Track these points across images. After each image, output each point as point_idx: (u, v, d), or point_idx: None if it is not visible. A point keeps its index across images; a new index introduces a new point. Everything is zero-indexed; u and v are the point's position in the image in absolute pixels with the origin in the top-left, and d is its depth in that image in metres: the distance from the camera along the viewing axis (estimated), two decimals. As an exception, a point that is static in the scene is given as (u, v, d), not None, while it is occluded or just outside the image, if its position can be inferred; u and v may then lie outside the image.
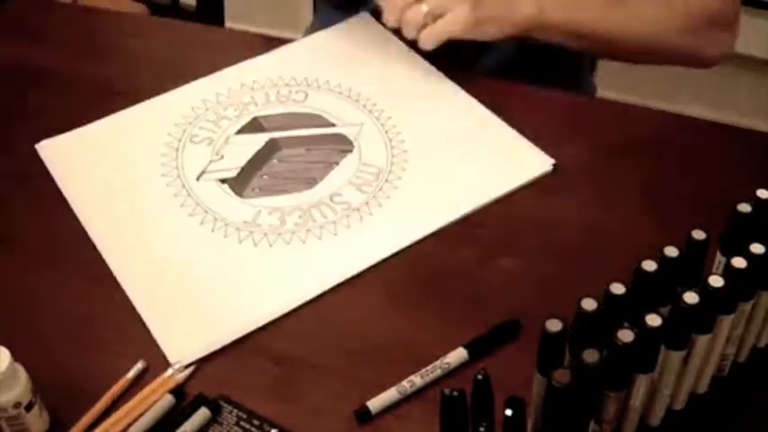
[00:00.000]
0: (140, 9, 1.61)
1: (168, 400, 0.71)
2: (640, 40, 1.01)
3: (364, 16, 1.07)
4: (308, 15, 1.29)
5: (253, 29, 1.13)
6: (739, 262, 0.61)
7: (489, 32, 0.95)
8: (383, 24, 0.98)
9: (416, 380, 0.72)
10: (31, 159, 0.92)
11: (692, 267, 0.63)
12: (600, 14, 0.99)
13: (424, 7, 0.92)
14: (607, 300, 0.59)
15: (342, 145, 0.93)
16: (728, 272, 0.61)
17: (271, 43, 1.05)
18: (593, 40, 0.99)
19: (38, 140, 0.93)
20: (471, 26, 0.93)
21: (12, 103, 0.99)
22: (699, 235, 0.63)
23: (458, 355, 0.73)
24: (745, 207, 0.64)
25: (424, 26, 0.93)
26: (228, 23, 1.56)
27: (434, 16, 0.93)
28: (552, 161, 0.90)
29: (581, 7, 0.99)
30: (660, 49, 1.02)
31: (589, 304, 0.58)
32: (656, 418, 0.65)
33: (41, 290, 0.80)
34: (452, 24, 0.93)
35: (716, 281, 0.59)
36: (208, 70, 1.01)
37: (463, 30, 0.93)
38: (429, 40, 0.94)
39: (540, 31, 0.97)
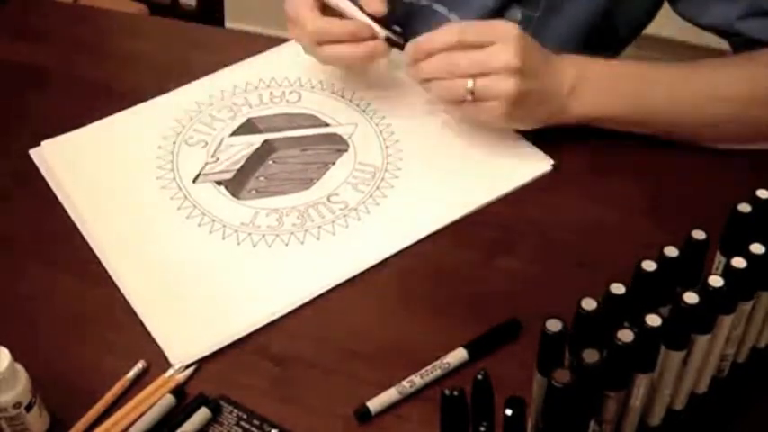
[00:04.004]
0: (140, 9, 1.61)
1: (169, 399, 0.71)
2: (718, 119, 0.89)
3: None
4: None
5: (253, 29, 1.13)
6: (739, 262, 0.61)
7: (527, 124, 0.90)
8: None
9: (416, 380, 0.72)
10: (31, 159, 0.92)
11: (691, 267, 0.63)
12: (670, 95, 0.89)
13: (470, 83, 0.84)
14: (607, 300, 0.59)
15: (337, 145, 0.93)
16: (728, 272, 0.61)
17: (271, 43, 1.05)
18: (660, 127, 0.90)
19: (36, 141, 0.93)
20: (506, 121, 0.87)
21: (11, 104, 0.99)
22: (699, 235, 0.63)
23: (458, 355, 0.73)
24: (745, 207, 0.64)
25: (459, 102, 0.87)
26: (228, 23, 1.56)
27: (475, 97, 0.85)
28: (552, 161, 0.90)
29: (646, 91, 0.89)
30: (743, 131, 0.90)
31: (589, 304, 0.58)
32: (655, 418, 0.65)
33: (41, 290, 0.80)
34: (488, 116, 0.87)
35: (716, 281, 0.59)
36: (208, 70, 1.01)
37: (496, 123, 0.88)
38: (459, 120, 0.91)
39: (594, 124, 0.90)
